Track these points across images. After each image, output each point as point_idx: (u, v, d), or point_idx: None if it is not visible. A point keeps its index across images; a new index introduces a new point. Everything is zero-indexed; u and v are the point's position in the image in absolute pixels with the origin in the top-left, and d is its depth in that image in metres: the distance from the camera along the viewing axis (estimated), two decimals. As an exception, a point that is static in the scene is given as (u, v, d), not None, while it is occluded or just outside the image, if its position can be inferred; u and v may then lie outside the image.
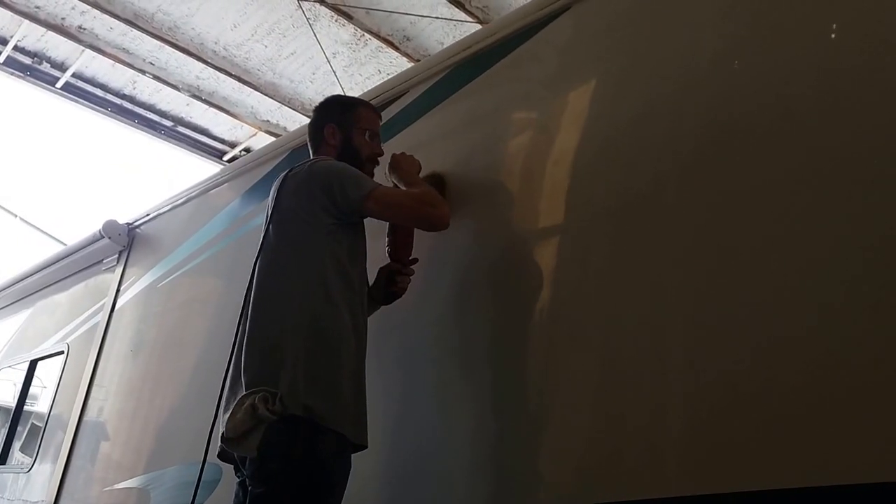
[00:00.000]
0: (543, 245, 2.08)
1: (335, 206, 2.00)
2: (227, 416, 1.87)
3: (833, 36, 1.63)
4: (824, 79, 1.61)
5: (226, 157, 8.55)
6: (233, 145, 8.57)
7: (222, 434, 1.87)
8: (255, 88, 7.60)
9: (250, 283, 2.10)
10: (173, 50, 7.09)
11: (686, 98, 1.84)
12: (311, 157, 2.23)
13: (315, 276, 1.97)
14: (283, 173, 2.14)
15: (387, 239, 2.21)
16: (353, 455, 1.91)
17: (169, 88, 7.68)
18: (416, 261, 2.22)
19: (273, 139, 6.97)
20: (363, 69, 7.26)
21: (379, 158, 2.25)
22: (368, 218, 2.10)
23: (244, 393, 1.88)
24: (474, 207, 2.17)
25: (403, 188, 2.13)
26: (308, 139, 2.29)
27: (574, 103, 2.13)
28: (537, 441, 1.88)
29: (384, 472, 2.14)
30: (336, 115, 2.26)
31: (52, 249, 7.15)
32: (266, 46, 7.13)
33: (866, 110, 1.53)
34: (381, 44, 6.92)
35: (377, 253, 2.20)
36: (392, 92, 2.66)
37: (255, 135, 8.32)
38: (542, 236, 2.09)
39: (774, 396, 1.49)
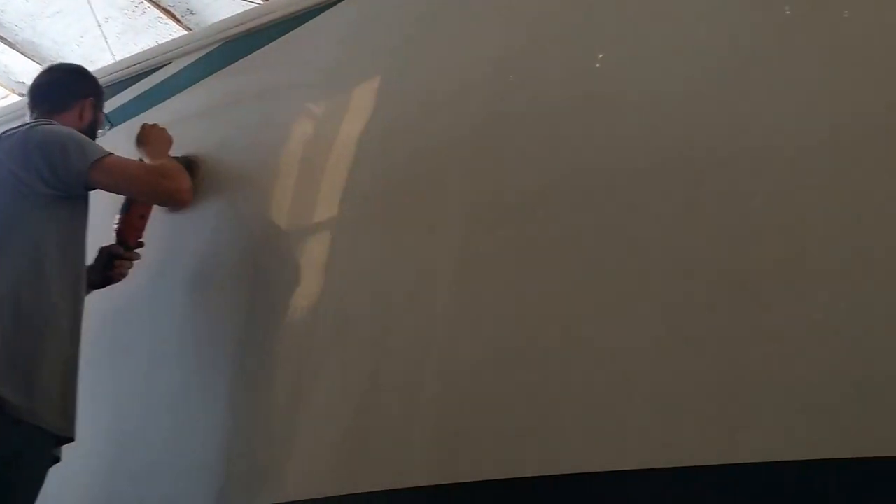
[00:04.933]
0: (298, 236, 2.02)
1: (56, 178, 1.82)
2: None
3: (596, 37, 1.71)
4: (605, 79, 1.67)
5: (-30, 120, 7.62)
6: (-21, 106, 7.67)
7: None
8: (10, 46, 6.86)
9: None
10: None
11: (468, 91, 1.84)
12: (37, 117, 2.01)
13: (30, 253, 1.81)
14: None
15: (117, 217, 2.03)
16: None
17: None
18: (142, 245, 2.06)
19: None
20: (139, 38, 6.77)
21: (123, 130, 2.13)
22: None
23: None
24: (229, 191, 2.07)
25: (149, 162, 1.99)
26: (43, 97, 2.07)
27: (345, 91, 2.09)
28: (268, 434, 1.84)
29: (103, 468, 2.04)
30: (96, 91, 2.14)
31: None
32: (27, 1, 6.43)
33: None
34: (161, 14, 6.52)
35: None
36: (155, 60, 2.47)
37: (6, 97, 7.50)
38: (299, 227, 2.03)
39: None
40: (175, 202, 1.99)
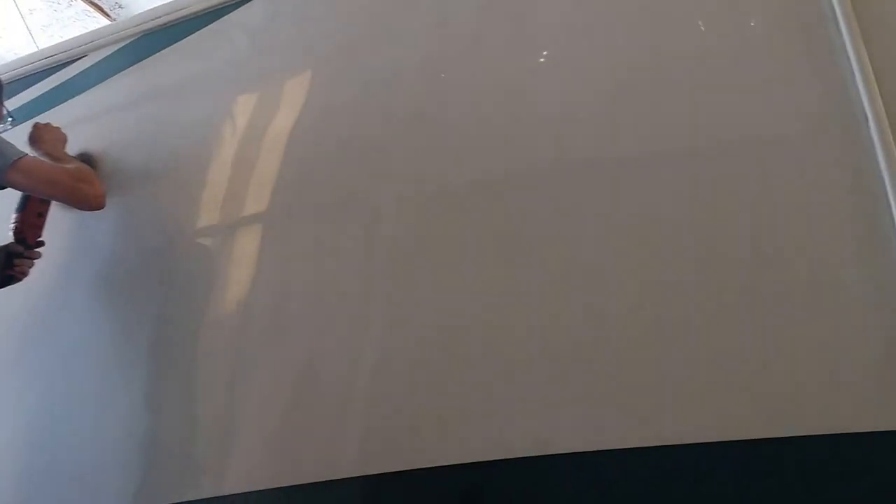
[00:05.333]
0: (210, 232, 2.00)
1: None
2: None
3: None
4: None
5: None
6: None
7: None
8: (-71, 37, 6.57)
9: None
10: None
11: (387, 87, 1.85)
12: None
13: None
14: None
15: (14, 216, 2.01)
16: None
17: None
18: (42, 244, 2.04)
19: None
20: (66, 31, 6.55)
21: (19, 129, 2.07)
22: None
23: None
24: (137, 189, 2.04)
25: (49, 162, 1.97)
26: None
27: (262, 87, 2.06)
28: (181, 433, 1.83)
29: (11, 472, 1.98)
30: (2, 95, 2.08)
31: None
32: (-55, -11, 6.18)
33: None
34: (88, 7, 6.31)
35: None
36: (69, 53, 2.40)
37: (-74, 91, 7.16)
38: (205, 228, 2.00)
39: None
40: (92, 206, 1.98)
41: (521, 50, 1.71)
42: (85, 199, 1.96)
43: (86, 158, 2.08)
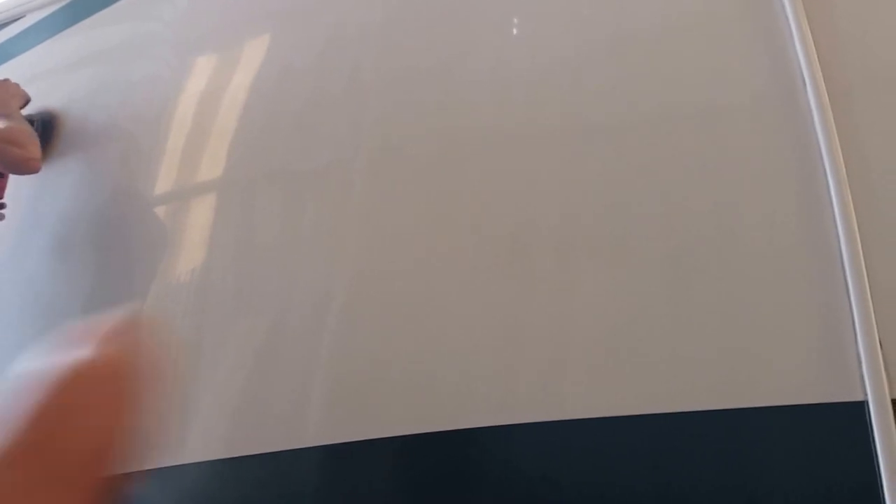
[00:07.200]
0: (158, 198, 1.95)
1: None
2: None
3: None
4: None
5: None
6: None
7: None
8: None
9: None
10: None
11: (348, 50, 1.80)
12: None
13: None
14: None
15: None
16: None
17: None
18: (3, 206, 1.99)
19: None
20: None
21: None
22: None
23: None
24: (89, 151, 1.99)
25: None
26: None
27: (210, 47, 2.02)
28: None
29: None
30: None
31: None
32: None
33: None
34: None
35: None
36: (6, 14, 2.32)
37: None
38: (159, 188, 1.96)
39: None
40: (22, 170, 1.90)
41: (480, 14, 1.68)
42: (14, 162, 1.87)
43: (42, 120, 2.01)
